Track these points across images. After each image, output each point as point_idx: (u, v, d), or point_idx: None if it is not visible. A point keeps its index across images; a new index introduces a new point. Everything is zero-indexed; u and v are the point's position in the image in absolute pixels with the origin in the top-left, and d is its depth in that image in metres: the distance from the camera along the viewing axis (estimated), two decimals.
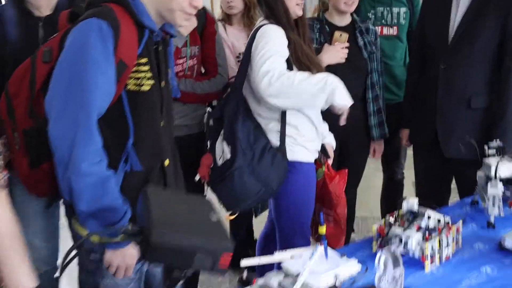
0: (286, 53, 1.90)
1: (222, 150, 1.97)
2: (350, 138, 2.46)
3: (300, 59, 1.95)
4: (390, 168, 2.95)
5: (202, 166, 2.01)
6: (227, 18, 2.65)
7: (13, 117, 1.37)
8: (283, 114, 1.96)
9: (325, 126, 2.20)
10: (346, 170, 2.21)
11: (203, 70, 2.31)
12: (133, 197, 1.32)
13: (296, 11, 2.00)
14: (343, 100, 1.81)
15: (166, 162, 1.44)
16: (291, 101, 1.84)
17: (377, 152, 2.64)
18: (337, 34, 2.39)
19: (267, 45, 1.86)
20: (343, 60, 2.34)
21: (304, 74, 1.82)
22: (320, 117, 2.10)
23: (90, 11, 1.28)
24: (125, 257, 1.31)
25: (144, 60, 1.33)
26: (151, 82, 1.34)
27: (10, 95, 1.36)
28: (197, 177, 2.03)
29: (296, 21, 2.05)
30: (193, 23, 2.05)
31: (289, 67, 1.89)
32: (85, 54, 1.22)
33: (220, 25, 2.73)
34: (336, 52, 2.33)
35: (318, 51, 2.34)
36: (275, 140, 1.97)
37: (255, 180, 1.89)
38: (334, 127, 2.24)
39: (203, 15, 2.19)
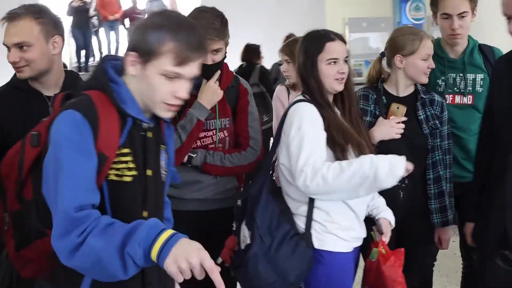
0: (322, 136, 1.79)
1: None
2: (409, 220, 2.17)
3: (335, 139, 1.79)
4: (469, 254, 2.54)
5: (225, 249, 1.90)
6: (293, 84, 2.66)
7: (4, 198, 1.38)
8: (312, 197, 1.79)
9: (381, 201, 1.98)
10: (403, 250, 1.92)
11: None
12: None
13: (334, 86, 1.85)
14: (392, 179, 1.66)
15: None
16: (332, 197, 1.77)
17: (443, 241, 2.29)
18: (393, 106, 2.16)
19: (300, 132, 1.76)
20: (398, 136, 2.09)
21: (337, 168, 1.68)
22: (368, 197, 1.89)
23: (71, 101, 1.27)
24: None
25: (126, 150, 1.28)
26: (133, 172, 1.29)
27: (2, 175, 1.39)
28: (219, 260, 1.92)
29: (341, 94, 1.91)
30: (217, 96, 2.00)
31: None
32: (64, 150, 1.20)
33: (283, 89, 2.67)
34: (390, 127, 2.10)
35: (372, 124, 2.14)
36: (302, 225, 1.80)
37: (271, 270, 1.72)
38: (390, 206, 2.02)
39: (236, 87, 2.12)
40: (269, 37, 5.79)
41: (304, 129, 1.75)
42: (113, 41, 9.59)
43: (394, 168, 1.65)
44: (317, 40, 1.86)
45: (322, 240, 1.80)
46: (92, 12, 9.04)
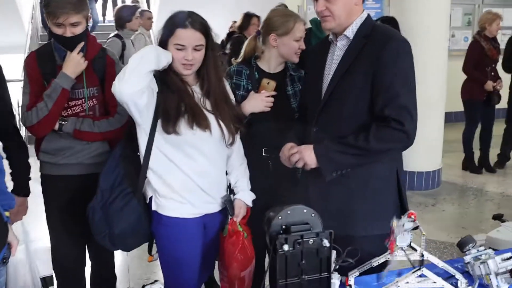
0: None
1: None
2: (279, 188, 2.25)
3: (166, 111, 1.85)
4: None
5: None
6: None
7: None
8: (146, 156, 1.87)
9: (243, 182, 2.08)
10: (243, 233, 2.03)
11: None
12: None
13: (180, 70, 1.89)
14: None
15: None
16: (130, 78, 1.75)
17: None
18: (264, 81, 2.28)
19: None
20: (267, 109, 2.22)
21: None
22: (215, 168, 1.96)
23: None
24: None
25: None
26: None
27: None
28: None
29: (202, 75, 1.95)
30: (80, 66, 2.10)
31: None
32: None
33: None
34: (260, 100, 2.22)
35: (244, 98, 2.25)
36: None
37: (104, 221, 1.90)
38: (261, 175, 2.17)
39: (103, 58, 2.22)
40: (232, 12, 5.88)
41: None
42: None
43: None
44: (172, 22, 1.87)
45: (159, 204, 1.91)
46: None
